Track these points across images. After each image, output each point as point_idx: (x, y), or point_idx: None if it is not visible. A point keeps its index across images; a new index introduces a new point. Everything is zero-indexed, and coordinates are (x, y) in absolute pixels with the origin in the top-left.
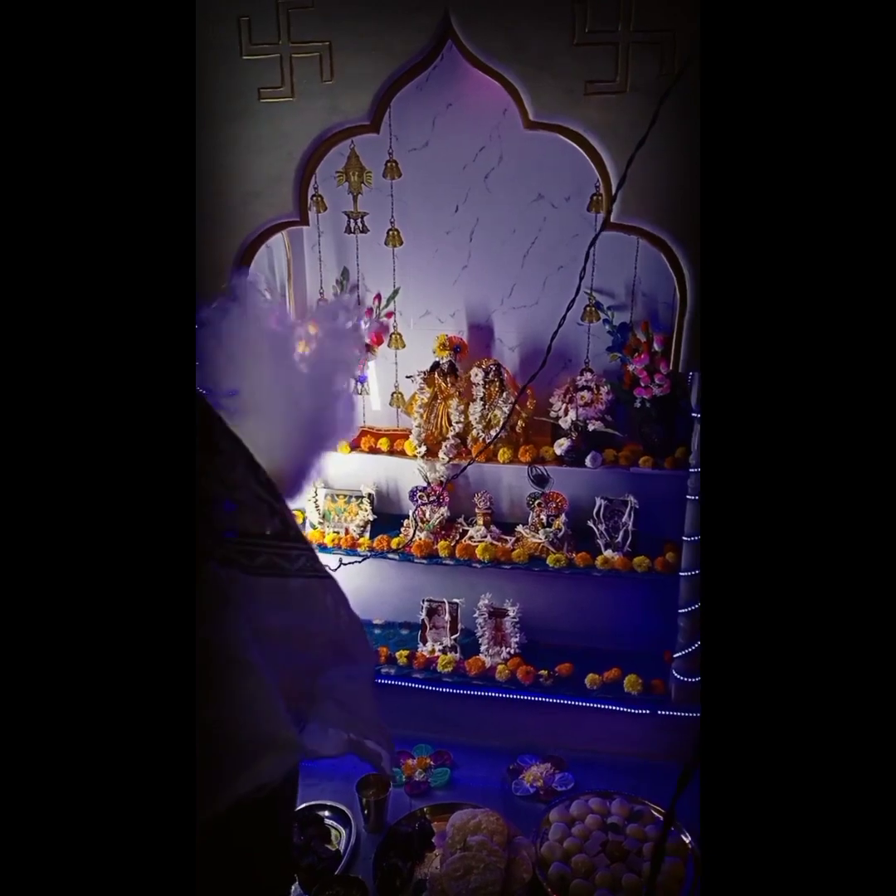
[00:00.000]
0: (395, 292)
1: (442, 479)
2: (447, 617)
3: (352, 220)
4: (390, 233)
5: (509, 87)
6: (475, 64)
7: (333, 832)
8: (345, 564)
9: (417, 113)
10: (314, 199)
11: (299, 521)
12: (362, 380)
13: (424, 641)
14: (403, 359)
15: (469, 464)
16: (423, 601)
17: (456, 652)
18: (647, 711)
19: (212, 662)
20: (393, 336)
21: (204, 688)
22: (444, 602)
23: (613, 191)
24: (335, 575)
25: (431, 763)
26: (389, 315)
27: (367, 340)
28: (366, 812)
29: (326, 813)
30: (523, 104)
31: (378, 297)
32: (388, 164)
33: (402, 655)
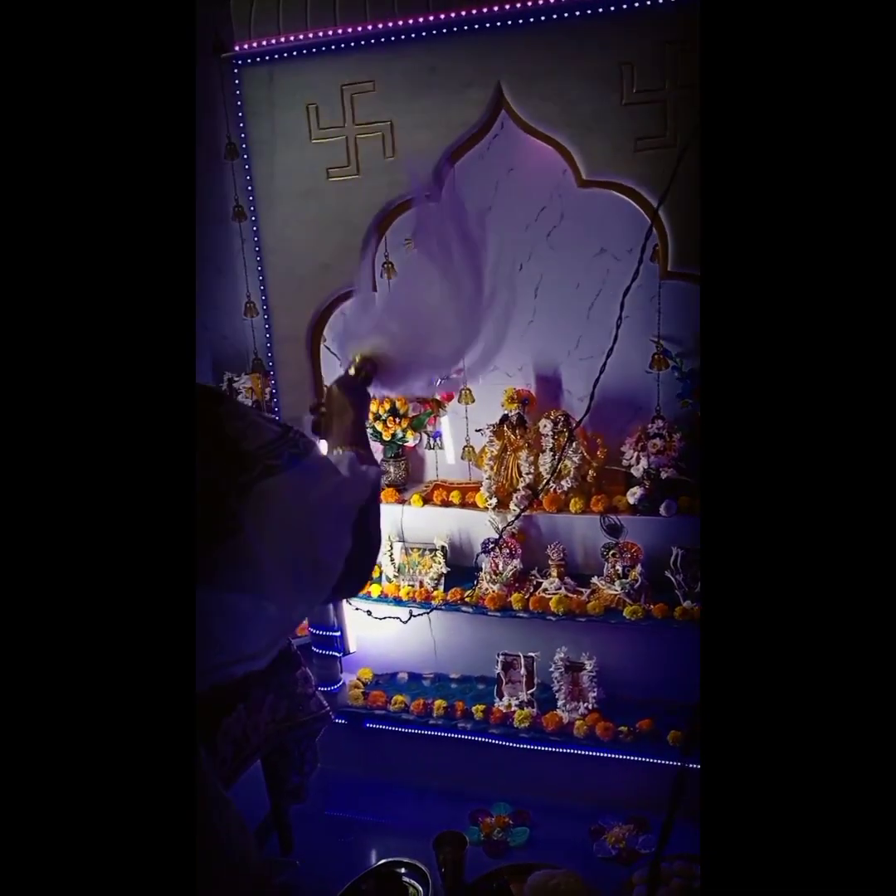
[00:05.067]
0: None
1: (512, 529)
2: (523, 671)
3: None
4: None
5: (562, 149)
6: (528, 131)
7: (411, 889)
8: (415, 616)
9: (481, 179)
10: (384, 265)
11: (376, 574)
12: (436, 435)
13: (500, 696)
14: (474, 413)
15: (522, 512)
16: (499, 655)
17: (532, 707)
18: None
19: None
20: (463, 392)
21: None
22: (519, 656)
23: (645, 242)
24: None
25: (510, 822)
26: (459, 371)
27: (438, 397)
28: (443, 870)
29: (403, 870)
30: (576, 164)
31: None
32: None
33: (478, 710)
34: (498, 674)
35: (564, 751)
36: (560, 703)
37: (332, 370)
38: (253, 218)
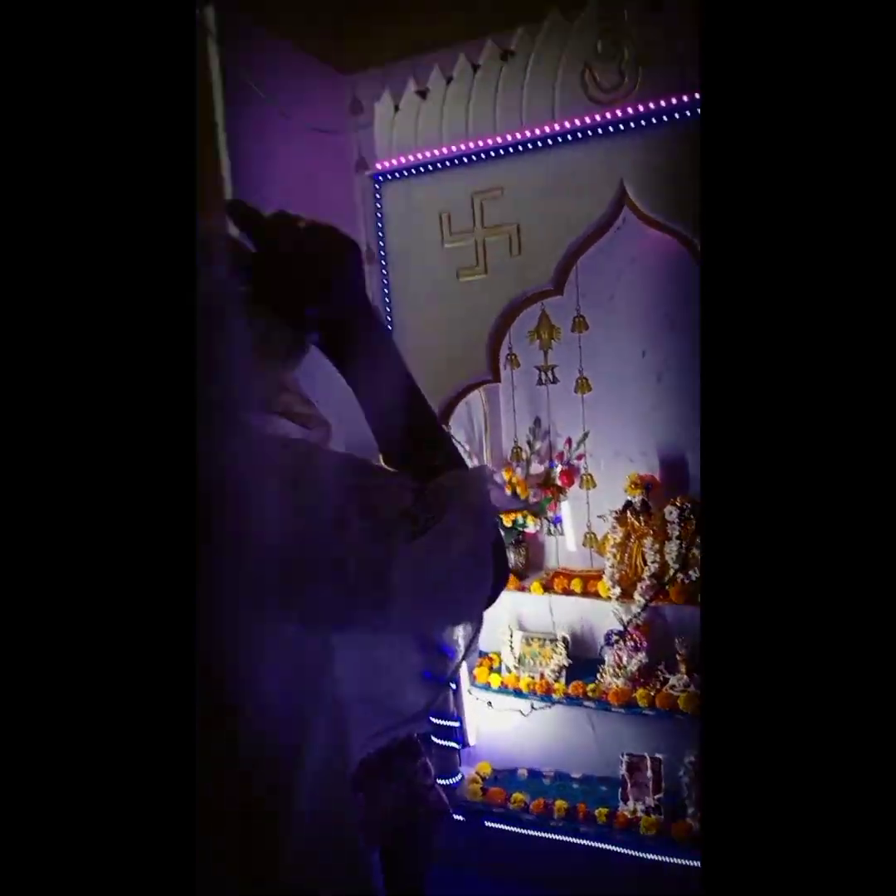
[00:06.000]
0: (585, 435)
1: (638, 621)
2: (649, 773)
3: (543, 373)
4: (579, 381)
5: (684, 239)
6: (650, 223)
7: None
8: (536, 709)
9: (603, 269)
10: (508, 357)
11: (495, 664)
12: (557, 521)
13: (625, 800)
14: (595, 498)
15: (648, 603)
16: (623, 755)
17: (660, 814)
18: None
19: None
20: (584, 477)
21: None
22: (645, 757)
23: None
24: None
25: None
26: (580, 457)
27: (559, 483)
28: None
29: None
30: (698, 254)
31: (568, 441)
32: (576, 320)
33: (601, 814)
34: (622, 775)
35: (696, 864)
36: (691, 811)
37: None
38: (388, 319)
